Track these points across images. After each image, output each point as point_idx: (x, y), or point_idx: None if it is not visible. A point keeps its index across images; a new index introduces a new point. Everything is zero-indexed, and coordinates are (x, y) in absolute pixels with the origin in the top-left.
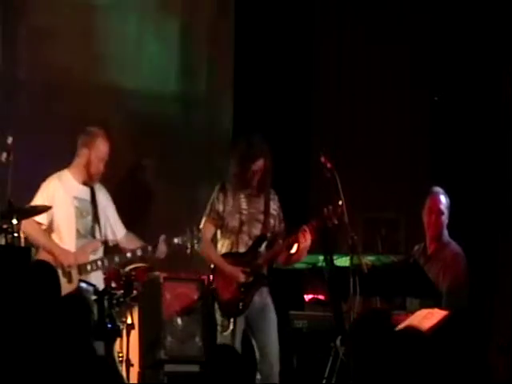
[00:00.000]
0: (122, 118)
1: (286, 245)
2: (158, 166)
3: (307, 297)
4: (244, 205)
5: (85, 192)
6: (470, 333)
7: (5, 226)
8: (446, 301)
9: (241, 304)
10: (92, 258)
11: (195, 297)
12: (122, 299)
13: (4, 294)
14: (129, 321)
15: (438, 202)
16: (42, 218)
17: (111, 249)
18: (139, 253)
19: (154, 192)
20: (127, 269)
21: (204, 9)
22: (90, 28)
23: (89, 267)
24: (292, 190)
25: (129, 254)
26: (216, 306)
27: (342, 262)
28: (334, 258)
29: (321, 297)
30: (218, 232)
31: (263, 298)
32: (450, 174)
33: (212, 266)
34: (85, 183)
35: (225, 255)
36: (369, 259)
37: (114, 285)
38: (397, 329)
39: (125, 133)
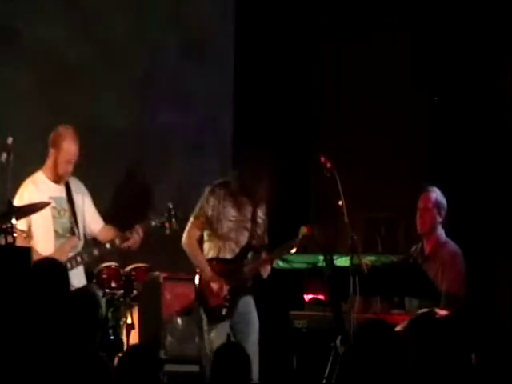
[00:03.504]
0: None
1: (271, 258)
2: (158, 167)
3: (307, 297)
4: (233, 212)
5: (60, 190)
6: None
7: (5, 226)
8: (445, 301)
9: (224, 310)
10: (71, 255)
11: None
12: (121, 299)
13: (4, 294)
14: (129, 321)
15: (426, 199)
16: (22, 225)
17: (91, 241)
18: (118, 242)
19: (153, 192)
20: (127, 269)
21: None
22: None
23: (68, 265)
24: (292, 190)
25: (108, 245)
26: (199, 308)
27: (342, 261)
28: (334, 258)
29: (321, 297)
30: (205, 234)
31: (248, 304)
32: (450, 173)
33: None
34: (56, 182)
35: (211, 259)
36: (369, 259)
37: (114, 285)
38: (396, 329)
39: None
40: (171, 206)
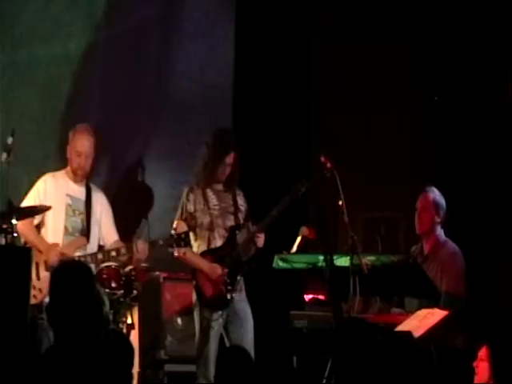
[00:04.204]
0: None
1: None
2: (159, 167)
3: (307, 297)
4: (214, 201)
5: (79, 191)
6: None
7: (5, 226)
8: (444, 301)
9: (229, 294)
10: (77, 254)
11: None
12: (121, 299)
13: (4, 294)
14: (129, 321)
15: (424, 199)
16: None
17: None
18: (123, 251)
19: (153, 193)
20: (127, 269)
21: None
22: None
23: None
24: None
25: (113, 253)
26: (197, 307)
27: (342, 261)
28: (334, 258)
29: (321, 297)
30: (192, 235)
31: (242, 302)
32: (450, 173)
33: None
34: (76, 181)
35: (203, 253)
36: (369, 259)
37: (114, 285)
38: (396, 329)
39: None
40: (182, 232)
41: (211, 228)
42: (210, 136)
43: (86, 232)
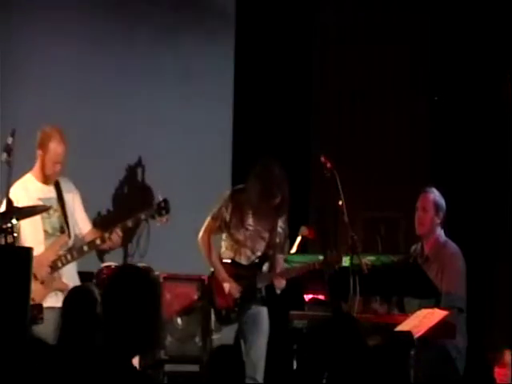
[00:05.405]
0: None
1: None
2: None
3: (307, 297)
4: (250, 221)
5: (49, 190)
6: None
7: (5, 226)
8: (444, 301)
9: (233, 315)
10: (61, 253)
11: (195, 297)
12: None
13: (4, 294)
14: None
15: (424, 199)
16: None
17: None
18: (107, 235)
19: (153, 193)
20: None
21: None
22: None
23: (59, 263)
24: (292, 190)
25: (98, 241)
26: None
27: (342, 261)
28: None
29: (321, 297)
30: (223, 234)
31: (258, 307)
32: (450, 173)
33: (212, 269)
34: (45, 183)
35: (227, 262)
36: (369, 259)
37: None
38: (395, 329)
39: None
40: (161, 199)
41: (239, 245)
42: (262, 169)
43: (65, 229)
